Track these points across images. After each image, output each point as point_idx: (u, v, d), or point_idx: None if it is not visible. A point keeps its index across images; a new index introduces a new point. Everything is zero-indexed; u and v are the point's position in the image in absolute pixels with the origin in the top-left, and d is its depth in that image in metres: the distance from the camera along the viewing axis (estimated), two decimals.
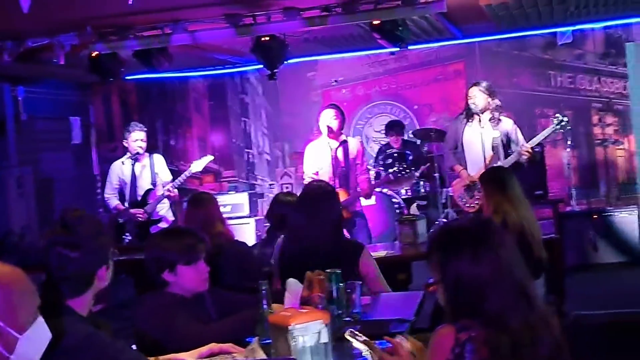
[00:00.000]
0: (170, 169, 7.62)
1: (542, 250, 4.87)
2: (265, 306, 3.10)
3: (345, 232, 4.63)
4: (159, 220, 7.31)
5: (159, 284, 3.33)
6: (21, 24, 6.24)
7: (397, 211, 8.18)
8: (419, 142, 9.12)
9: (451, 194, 7.34)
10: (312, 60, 10.00)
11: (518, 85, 9.59)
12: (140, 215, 7.18)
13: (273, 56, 7.05)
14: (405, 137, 9.11)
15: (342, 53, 9.65)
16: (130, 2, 4.54)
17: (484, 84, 6.77)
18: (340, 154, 6.93)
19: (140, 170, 7.31)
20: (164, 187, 7.25)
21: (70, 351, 2.37)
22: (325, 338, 2.63)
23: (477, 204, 6.53)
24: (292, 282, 3.38)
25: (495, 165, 6.42)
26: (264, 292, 3.13)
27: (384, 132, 9.36)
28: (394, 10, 6.49)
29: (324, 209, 4.15)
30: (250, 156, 10.76)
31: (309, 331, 2.61)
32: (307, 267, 3.44)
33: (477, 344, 2.13)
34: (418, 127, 9.60)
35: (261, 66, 7.37)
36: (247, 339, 3.04)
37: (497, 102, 6.70)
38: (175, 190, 7.23)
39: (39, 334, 2.14)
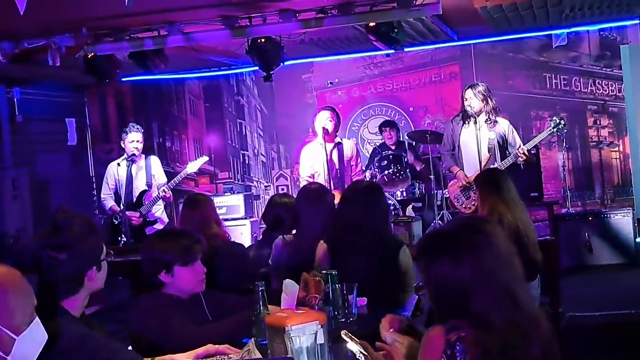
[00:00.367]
0: (165, 171, 7.64)
1: (537, 252, 4.87)
2: (261, 307, 3.10)
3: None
4: (155, 222, 7.31)
5: (155, 285, 3.33)
6: (17, 25, 6.24)
7: (393, 213, 8.18)
8: (414, 143, 9.13)
9: (447, 195, 7.34)
10: (308, 62, 10.01)
11: (513, 87, 9.60)
12: (135, 220, 7.18)
13: (269, 58, 7.05)
14: (401, 139, 9.11)
15: (337, 55, 9.65)
16: (126, 4, 4.53)
17: (480, 86, 6.79)
18: (335, 155, 6.94)
19: (136, 171, 7.32)
20: (159, 188, 7.26)
21: (65, 352, 2.37)
22: (321, 339, 2.64)
23: (473, 205, 6.54)
24: (288, 283, 3.39)
25: (490, 167, 6.43)
26: (260, 293, 3.13)
27: (378, 133, 9.35)
28: (390, 12, 6.50)
29: (377, 202, 4.26)
30: (245, 158, 10.76)
31: (305, 332, 2.62)
32: (354, 256, 3.83)
33: (467, 343, 2.15)
34: (413, 129, 9.61)
35: (257, 68, 7.38)
36: (243, 340, 3.04)
37: (492, 104, 6.72)
38: (170, 191, 7.23)
39: (36, 334, 2.14)
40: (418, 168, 8.83)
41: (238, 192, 9.65)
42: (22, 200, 8.88)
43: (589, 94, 9.45)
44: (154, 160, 7.53)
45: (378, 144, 9.31)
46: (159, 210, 7.42)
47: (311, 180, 6.70)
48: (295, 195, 5.01)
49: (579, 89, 9.49)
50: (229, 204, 9.07)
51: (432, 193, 8.30)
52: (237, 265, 4.81)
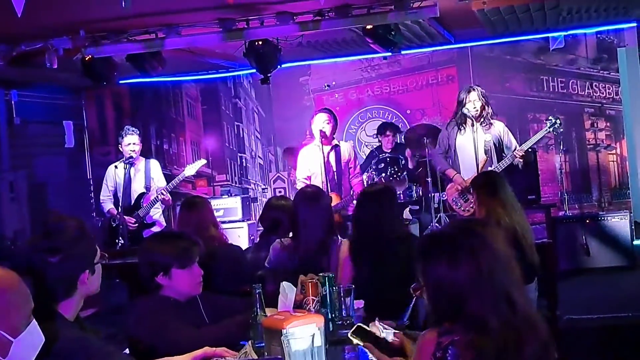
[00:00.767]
0: (163, 173, 7.62)
1: (535, 254, 4.87)
2: (258, 310, 3.10)
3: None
4: (152, 224, 7.31)
5: (153, 288, 3.32)
6: (14, 28, 6.23)
7: None
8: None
9: (445, 198, 7.34)
10: (305, 65, 10.02)
11: (510, 90, 9.61)
12: (132, 225, 7.17)
13: (266, 61, 7.06)
14: (398, 140, 9.11)
15: (335, 58, 9.66)
16: (123, 6, 4.54)
17: (481, 89, 6.79)
18: (332, 158, 6.94)
19: (135, 174, 7.31)
20: (157, 191, 7.25)
21: (60, 355, 2.37)
22: (318, 341, 2.64)
23: (471, 207, 6.52)
24: (285, 285, 3.38)
25: (486, 170, 6.43)
26: (257, 295, 3.13)
27: (376, 135, 9.33)
28: (387, 15, 6.51)
29: (392, 205, 4.52)
30: (243, 160, 10.76)
31: (302, 334, 2.62)
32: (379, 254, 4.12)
33: (460, 348, 2.15)
34: None
35: (254, 70, 7.39)
36: (240, 343, 3.04)
37: (489, 106, 6.73)
38: (168, 194, 7.23)
39: (33, 337, 2.14)
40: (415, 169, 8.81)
41: (235, 195, 9.64)
42: (20, 202, 8.87)
43: (586, 96, 9.47)
44: (154, 163, 7.52)
45: (375, 146, 9.31)
46: (157, 213, 7.41)
47: (308, 182, 6.70)
48: (292, 198, 5.01)
49: (576, 91, 9.51)
50: (226, 207, 9.07)
51: (429, 196, 8.29)
52: (235, 267, 4.81)
